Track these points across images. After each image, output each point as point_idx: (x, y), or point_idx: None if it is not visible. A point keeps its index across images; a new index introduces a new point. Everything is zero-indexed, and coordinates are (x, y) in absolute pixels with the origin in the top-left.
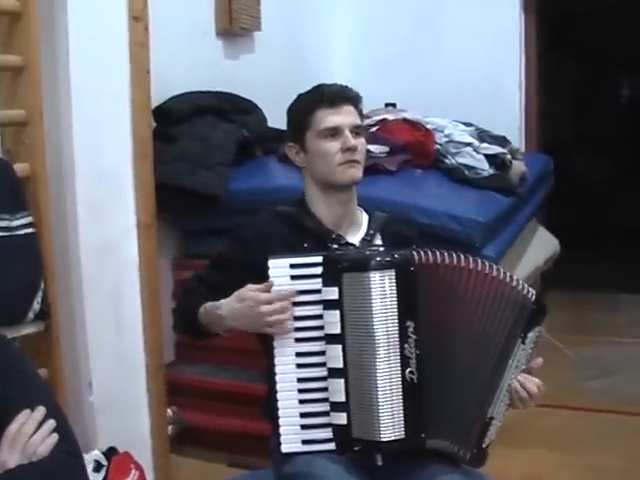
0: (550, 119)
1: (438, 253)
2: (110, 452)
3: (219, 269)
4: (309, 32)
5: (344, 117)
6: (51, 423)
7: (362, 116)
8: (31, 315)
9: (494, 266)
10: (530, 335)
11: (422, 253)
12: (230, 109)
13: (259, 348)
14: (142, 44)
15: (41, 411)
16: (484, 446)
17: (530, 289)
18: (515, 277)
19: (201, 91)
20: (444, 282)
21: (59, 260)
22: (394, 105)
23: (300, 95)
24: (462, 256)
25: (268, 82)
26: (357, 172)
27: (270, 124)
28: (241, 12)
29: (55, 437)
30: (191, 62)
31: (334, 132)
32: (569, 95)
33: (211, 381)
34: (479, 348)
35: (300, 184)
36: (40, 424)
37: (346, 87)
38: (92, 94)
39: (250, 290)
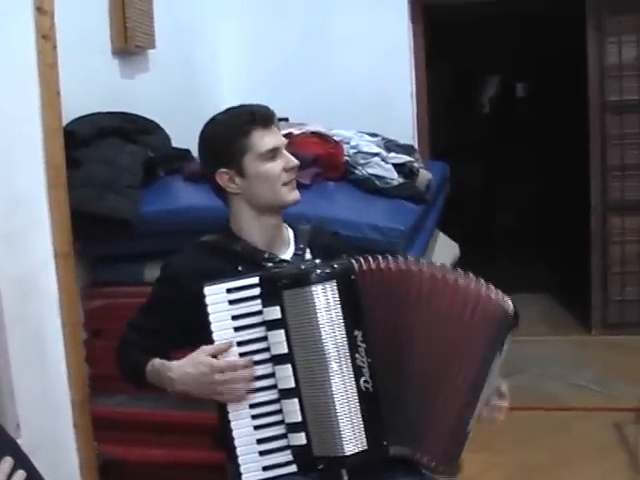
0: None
1: (381, 258)
2: None
3: (154, 312)
4: (199, 48)
5: (278, 137)
6: (21, 474)
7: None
8: None
9: (459, 271)
10: (506, 346)
11: (362, 260)
12: (133, 130)
13: None
14: (51, 64)
15: (8, 462)
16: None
17: (506, 297)
18: (490, 285)
19: (102, 112)
20: (389, 286)
21: None
22: (286, 119)
23: (217, 118)
24: (413, 259)
25: (164, 100)
26: (297, 192)
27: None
28: (136, 30)
29: None
30: (89, 83)
31: (274, 153)
32: (443, 102)
33: (127, 412)
34: (448, 355)
35: (210, 203)
36: (9, 477)
37: (266, 106)
38: (3, 117)
39: (205, 353)
